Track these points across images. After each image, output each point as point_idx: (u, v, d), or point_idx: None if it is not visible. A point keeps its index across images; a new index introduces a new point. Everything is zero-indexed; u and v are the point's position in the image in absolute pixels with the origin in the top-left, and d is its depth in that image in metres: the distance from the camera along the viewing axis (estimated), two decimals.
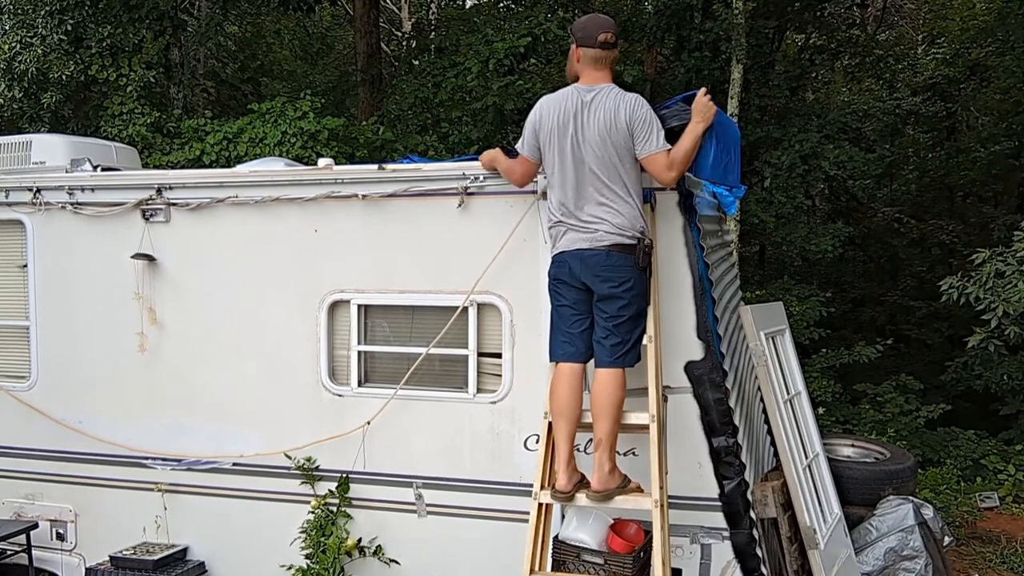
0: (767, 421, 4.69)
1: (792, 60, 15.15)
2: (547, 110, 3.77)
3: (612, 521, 3.86)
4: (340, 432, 4.56)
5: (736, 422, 4.06)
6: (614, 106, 3.65)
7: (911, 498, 5.38)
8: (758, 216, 11.75)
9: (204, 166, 9.79)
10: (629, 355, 3.71)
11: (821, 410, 10.12)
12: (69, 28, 10.74)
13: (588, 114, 3.67)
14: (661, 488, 3.62)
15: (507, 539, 4.15)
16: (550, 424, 3.81)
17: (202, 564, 4.84)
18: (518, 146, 3.93)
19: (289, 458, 4.64)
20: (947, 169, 16.52)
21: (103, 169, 5.17)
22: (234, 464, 4.78)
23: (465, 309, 4.33)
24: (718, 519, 4.03)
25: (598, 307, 3.72)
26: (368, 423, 4.51)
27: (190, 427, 4.85)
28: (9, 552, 5.04)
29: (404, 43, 17.50)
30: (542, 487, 3.75)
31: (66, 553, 5.12)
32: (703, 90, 3.81)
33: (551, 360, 3.87)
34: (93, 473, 5.05)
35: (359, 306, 4.56)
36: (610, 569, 3.69)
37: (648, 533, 3.80)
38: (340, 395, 4.59)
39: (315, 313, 4.60)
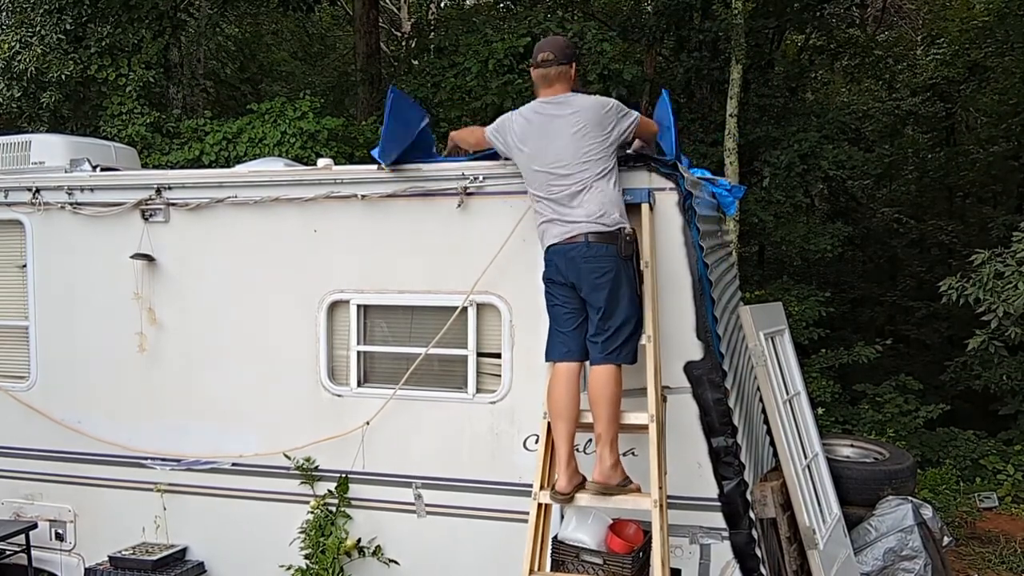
0: (766, 421, 4.69)
1: (791, 60, 15.16)
2: (517, 117, 3.97)
3: (611, 521, 3.86)
4: (339, 432, 4.55)
5: (735, 422, 4.06)
6: (590, 103, 3.84)
7: (910, 498, 5.38)
8: (757, 216, 11.76)
9: (203, 166, 9.78)
10: (622, 351, 3.72)
11: (820, 410, 10.12)
12: (68, 27, 10.73)
13: (559, 115, 3.82)
14: (660, 488, 3.61)
15: (506, 539, 4.15)
16: (549, 424, 3.81)
17: (201, 564, 4.84)
18: (488, 127, 4.12)
19: (288, 458, 4.64)
20: (946, 170, 16.54)
21: (102, 169, 5.17)
22: (233, 464, 4.78)
23: (464, 309, 4.34)
24: (717, 519, 4.03)
25: (587, 302, 3.75)
26: (367, 423, 4.51)
27: (189, 427, 4.85)
28: (8, 552, 5.04)
29: (404, 43, 17.50)
30: (541, 487, 3.75)
31: (65, 553, 5.12)
32: None
33: (547, 360, 3.89)
34: (92, 473, 5.05)
35: (358, 306, 4.55)
36: (609, 569, 3.69)
37: (647, 533, 3.80)
38: (339, 395, 4.59)
39: (314, 313, 4.60)
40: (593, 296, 3.71)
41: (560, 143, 3.78)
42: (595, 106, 3.83)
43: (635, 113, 3.94)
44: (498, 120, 4.09)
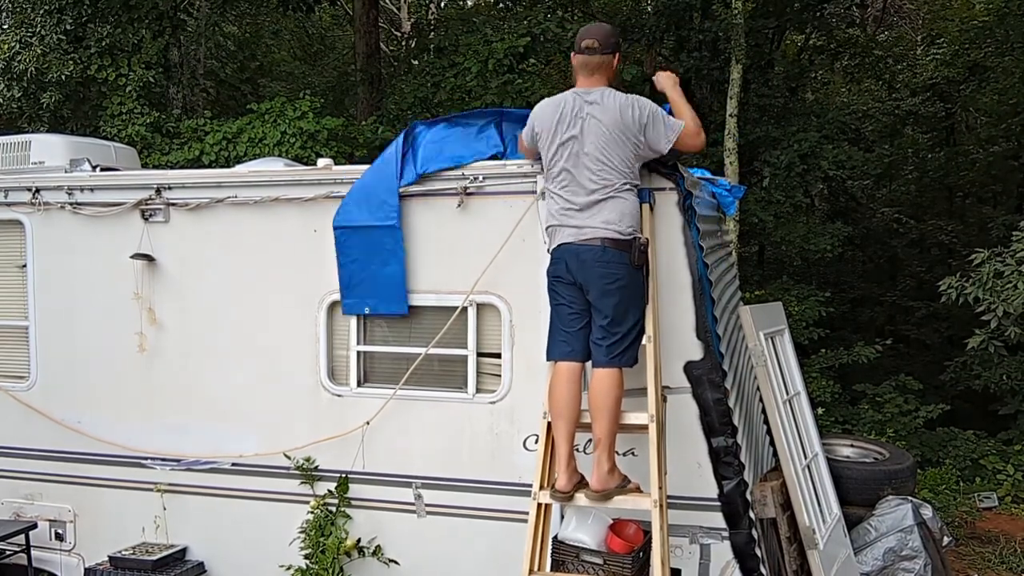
0: (766, 421, 4.69)
1: (791, 60, 15.16)
2: (544, 111, 3.85)
3: (611, 521, 3.86)
4: (339, 432, 4.55)
5: (735, 422, 4.06)
6: (619, 106, 3.70)
7: (910, 498, 5.38)
8: (757, 216, 11.76)
9: (203, 166, 9.79)
10: (626, 355, 3.71)
11: (820, 410, 10.13)
12: (68, 28, 10.74)
13: (589, 113, 3.72)
14: (660, 488, 3.61)
15: (506, 539, 4.15)
16: (549, 424, 3.81)
17: (201, 564, 4.84)
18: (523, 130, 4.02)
19: (288, 458, 4.64)
20: (946, 170, 16.54)
21: (102, 169, 5.17)
22: (233, 464, 4.78)
23: (464, 309, 4.34)
24: (717, 519, 4.03)
25: (593, 306, 3.73)
26: (367, 423, 4.51)
27: (189, 427, 4.85)
28: (8, 552, 5.04)
29: (403, 43, 17.50)
30: (541, 487, 3.75)
31: (65, 553, 5.12)
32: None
33: (548, 359, 3.87)
34: (92, 473, 5.05)
35: None
36: (609, 569, 3.69)
37: (647, 533, 3.80)
38: (339, 395, 4.59)
39: (314, 313, 4.60)
40: (601, 302, 3.69)
41: (589, 143, 3.67)
42: (628, 108, 3.68)
43: (678, 122, 3.76)
44: (531, 112, 3.93)
